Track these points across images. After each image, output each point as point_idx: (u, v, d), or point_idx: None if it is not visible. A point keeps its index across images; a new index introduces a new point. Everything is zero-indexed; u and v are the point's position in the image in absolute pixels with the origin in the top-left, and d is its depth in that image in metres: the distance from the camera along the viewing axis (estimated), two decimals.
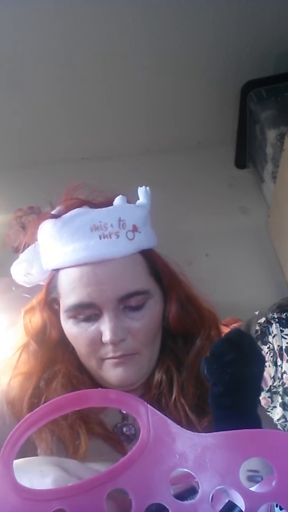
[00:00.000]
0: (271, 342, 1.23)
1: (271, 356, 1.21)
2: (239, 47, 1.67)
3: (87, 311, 0.66)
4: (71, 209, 0.69)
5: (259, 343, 1.23)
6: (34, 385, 0.68)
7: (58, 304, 0.70)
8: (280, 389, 1.18)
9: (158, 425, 0.41)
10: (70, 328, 0.68)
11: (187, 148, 1.95)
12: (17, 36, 1.53)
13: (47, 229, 0.69)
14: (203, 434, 0.41)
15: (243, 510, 0.39)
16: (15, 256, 0.76)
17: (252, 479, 0.47)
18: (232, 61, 1.70)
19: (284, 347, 1.21)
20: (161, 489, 0.39)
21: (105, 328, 0.65)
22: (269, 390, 1.19)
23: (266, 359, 1.21)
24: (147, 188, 0.73)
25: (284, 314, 1.25)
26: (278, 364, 1.20)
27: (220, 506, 0.41)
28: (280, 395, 1.18)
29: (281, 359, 1.20)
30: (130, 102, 1.78)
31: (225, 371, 0.54)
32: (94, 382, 0.70)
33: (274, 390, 1.19)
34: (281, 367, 1.20)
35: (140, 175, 1.65)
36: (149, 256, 0.70)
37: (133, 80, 1.71)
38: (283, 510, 0.42)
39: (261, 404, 1.16)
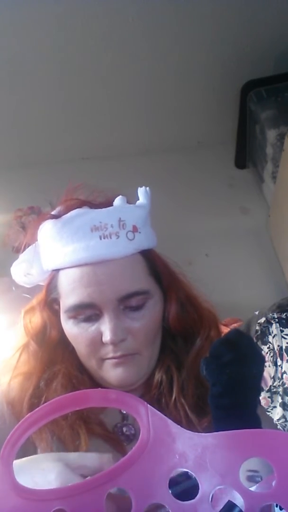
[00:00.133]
0: (271, 342, 1.23)
1: (271, 356, 1.21)
2: (239, 47, 1.67)
3: (87, 311, 0.66)
4: (71, 210, 0.69)
5: (259, 343, 1.23)
6: (34, 385, 0.68)
7: (58, 304, 0.70)
8: (280, 389, 1.18)
9: (158, 425, 0.41)
10: (71, 328, 0.68)
11: (187, 148, 1.95)
12: (17, 36, 1.53)
13: (47, 229, 0.69)
14: (203, 434, 0.41)
15: (243, 510, 0.39)
16: (15, 256, 0.76)
17: (252, 479, 0.47)
18: (232, 61, 1.70)
19: (284, 347, 1.21)
20: (161, 489, 0.39)
21: (105, 328, 0.65)
22: (269, 390, 1.19)
23: (266, 359, 1.21)
24: (147, 188, 0.73)
25: (284, 314, 1.25)
26: (278, 364, 1.20)
27: (220, 506, 0.41)
28: (280, 395, 1.18)
29: (281, 359, 1.20)
30: (130, 102, 1.78)
31: (224, 372, 0.54)
32: (94, 382, 0.70)
33: (274, 390, 1.19)
34: (281, 367, 1.20)
35: (140, 175, 1.66)
36: (149, 256, 0.70)
37: (133, 80, 1.71)
38: (283, 510, 0.42)
39: (261, 404, 1.16)
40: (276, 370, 1.20)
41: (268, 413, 1.15)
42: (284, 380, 1.18)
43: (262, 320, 1.26)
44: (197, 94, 1.80)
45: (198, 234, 1.71)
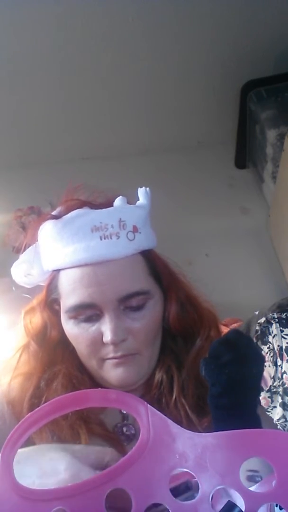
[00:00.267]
0: (271, 342, 1.23)
1: (271, 356, 1.21)
2: (239, 47, 1.66)
3: (88, 312, 0.66)
4: (72, 210, 0.69)
5: (259, 343, 1.23)
6: (35, 386, 0.68)
7: (59, 304, 0.70)
8: (280, 389, 1.18)
9: (158, 425, 0.41)
10: (71, 328, 0.68)
11: (187, 148, 1.95)
12: (17, 36, 1.53)
13: (47, 230, 0.69)
14: (203, 434, 0.41)
15: (243, 510, 0.39)
16: (15, 256, 0.76)
17: (252, 479, 0.47)
18: (232, 61, 1.70)
19: (284, 347, 1.21)
20: (161, 489, 0.39)
21: (106, 328, 0.65)
22: (269, 390, 1.19)
23: (266, 359, 1.21)
24: (147, 189, 0.73)
25: (284, 314, 1.25)
26: (278, 364, 1.20)
27: (220, 506, 0.41)
28: (280, 395, 1.18)
29: (281, 359, 1.20)
30: (130, 102, 1.78)
31: (223, 372, 0.54)
32: (95, 382, 0.70)
33: (274, 390, 1.19)
34: (281, 367, 1.20)
35: (140, 175, 1.66)
36: (149, 257, 0.70)
37: (133, 80, 1.71)
38: (283, 510, 0.42)
39: (261, 404, 1.16)
40: (276, 370, 1.20)
41: (268, 413, 1.15)
42: (284, 380, 1.18)
43: (262, 320, 1.26)
44: (197, 94, 1.80)
45: (198, 234, 1.71)
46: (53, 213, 0.71)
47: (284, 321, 1.24)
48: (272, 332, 1.23)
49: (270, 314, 1.26)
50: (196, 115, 1.87)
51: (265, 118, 1.66)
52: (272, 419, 1.11)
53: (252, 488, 0.44)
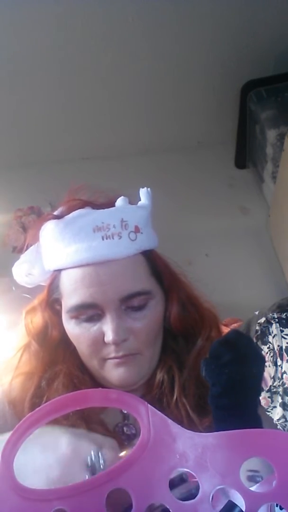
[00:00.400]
0: (271, 342, 1.23)
1: (271, 356, 1.21)
2: (239, 47, 1.67)
3: (89, 312, 0.66)
4: (74, 210, 0.69)
5: (259, 343, 1.23)
6: (36, 385, 0.68)
7: (60, 304, 0.70)
8: (280, 389, 1.18)
9: (158, 425, 0.41)
10: (72, 328, 0.68)
11: (187, 148, 1.95)
12: (17, 36, 1.53)
13: (49, 230, 0.69)
14: (203, 434, 0.41)
15: (243, 510, 0.39)
16: (15, 256, 0.76)
17: (252, 479, 0.47)
18: (232, 61, 1.70)
19: (284, 347, 1.21)
20: (161, 489, 0.39)
21: (108, 328, 0.65)
22: (269, 390, 1.19)
23: (266, 359, 1.21)
24: (149, 189, 0.73)
25: (284, 314, 1.25)
26: (278, 364, 1.20)
27: (220, 506, 0.41)
28: (280, 395, 1.18)
29: (281, 359, 1.20)
30: (130, 102, 1.78)
31: (223, 372, 0.54)
32: (96, 382, 0.70)
33: (274, 390, 1.19)
34: (281, 367, 1.19)
35: (140, 175, 1.65)
36: (150, 257, 0.70)
37: (133, 80, 1.71)
38: (283, 510, 0.42)
39: (261, 404, 1.16)
40: (276, 370, 1.20)
41: (268, 413, 1.15)
42: (284, 380, 1.18)
43: (262, 320, 1.26)
44: (197, 94, 1.80)
45: (198, 234, 1.71)
46: (55, 213, 0.71)
47: (284, 321, 1.24)
48: (272, 332, 1.23)
49: (270, 314, 1.26)
50: (196, 115, 1.87)
51: (265, 118, 1.66)
52: (272, 419, 1.11)
53: (253, 488, 0.44)
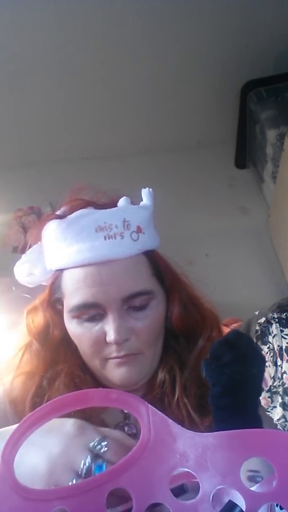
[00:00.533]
0: (271, 342, 1.23)
1: (271, 356, 1.21)
2: (239, 47, 1.67)
3: (91, 311, 0.66)
4: (76, 210, 0.69)
5: (259, 343, 1.23)
6: (37, 385, 0.68)
7: (62, 304, 0.70)
8: (280, 389, 1.18)
9: (159, 425, 0.41)
10: (74, 328, 0.68)
11: (187, 148, 1.95)
12: (18, 36, 1.53)
13: (51, 229, 0.69)
14: (204, 433, 0.41)
15: (244, 510, 0.39)
16: (15, 256, 0.76)
17: (252, 479, 0.47)
18: (232, 61, 1.70)
19: (284, 347, 1.21)
20: (161, 489, 0.39)
21: (109, 328, 0.65)
22: (269, 390, 1.19)
23: (266, 359, 1.21)
24: (150, 189, 0.73)
25: (284, 314, 1.25)
26: (278, 364, 1.20)
27: (221, 506, 0.41)
28: (280, 395, 1.18)
29: (281, 359, 1.20)
30: (130, 102, 1.78)
31: (223, 372, 0.54)
32: (97, 381, 0.70)
33: (274, 390, 1.19)
34: (281, 367, 1.20)
35: (140, 175, 1.65)
36: (152, 257, 0.70)
37: (133, 80, 1.71)
38: (284, 510, 0.42)
39: (261, 404, 1.16)
40: (276, 370, 1.20)
41: (268, 413, 1.15)
42: (284, 380, 1.18)
43: (262, 320, 1.26)
44: (197, 94, 1.80)
45: (198, 234, 1.71)
46: (57, 213, 0.71)
47: (284, 321, 1.24)
48: (272, 332, 1.23)
49: (270, 314, 1.26)
50: (196, 115, 1.87)
51: (265, 118, 1.66)
52: (272, 419, 1.11)
53: (253, 488, 0.44)
